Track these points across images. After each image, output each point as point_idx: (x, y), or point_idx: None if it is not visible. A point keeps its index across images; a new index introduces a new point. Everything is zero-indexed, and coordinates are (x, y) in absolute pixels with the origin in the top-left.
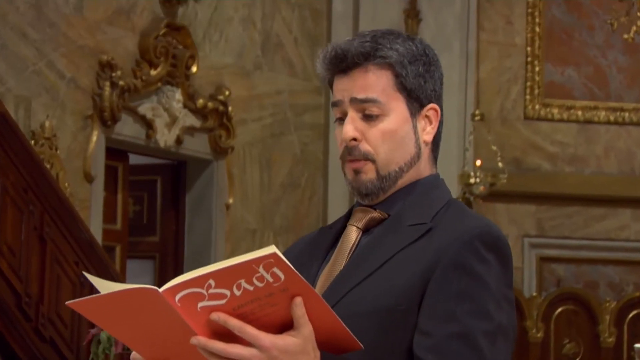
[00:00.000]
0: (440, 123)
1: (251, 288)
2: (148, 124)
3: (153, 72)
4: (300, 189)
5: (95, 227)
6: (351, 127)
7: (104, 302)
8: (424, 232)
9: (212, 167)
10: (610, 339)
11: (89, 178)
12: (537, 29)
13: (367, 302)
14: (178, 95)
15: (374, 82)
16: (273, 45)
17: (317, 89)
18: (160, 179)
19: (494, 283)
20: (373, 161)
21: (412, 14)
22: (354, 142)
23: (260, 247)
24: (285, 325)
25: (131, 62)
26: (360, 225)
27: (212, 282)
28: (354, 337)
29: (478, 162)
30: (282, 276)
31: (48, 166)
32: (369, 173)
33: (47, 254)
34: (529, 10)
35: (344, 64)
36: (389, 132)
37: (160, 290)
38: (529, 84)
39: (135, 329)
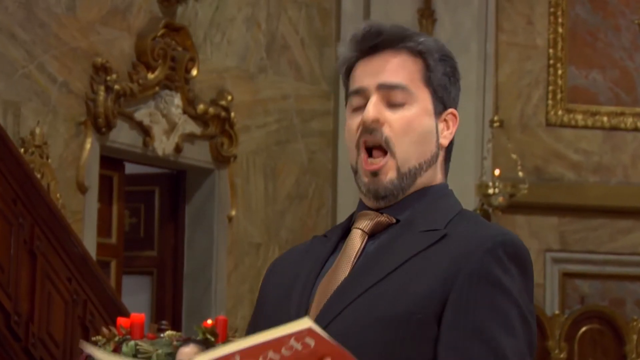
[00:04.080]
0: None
1: (277, 357)
2: (145, 131)
3: (150, 76)
4: (308, 200)
5: (89, 241)
6: (374, 109)
7: None
8: (439, 238)
9: (213, 176)
10: None
11: (82, 188)
12: (560, 30)
13: (378, 309)
14: (177, 100)
15: (405, 68)
16: (278, 47)
17: (326, 94)
18: (158, 190)
19: (519, 297)
20: (393, 154)
21: (427, 13)
22: (375, 124)
23: (265, 262)
24: None
25: (127, 64)
26: (367, 229)
27: (238, 357)
28: None
29: (497, 172)
30: (312, 344)
31: (39, 176)
32: (389, 173)
33: (38, 269)
34: (551, 9)
35: (378, 39)
36: (412, 122)
37: None
38: (551, 88)
39: None
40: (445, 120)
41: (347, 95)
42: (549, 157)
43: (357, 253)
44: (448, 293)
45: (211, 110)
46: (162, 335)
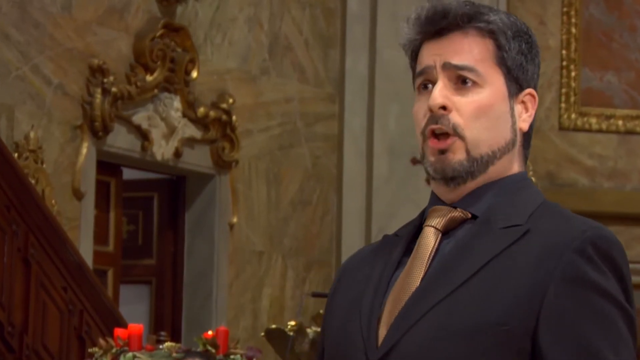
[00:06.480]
0: (534, 116)
1: None
2: (143, 135)
3: (149, 78)
4: (312, 207)
5: (85, 249)
6: (441, 95)
7: None
8: (521, 234)
9: (214, 182)
10: None
11: (78, 195)
12: (574, 30)
13: (461, 319)
14: (177, 103)
15: (473, 49)
16: (281, 48)
17: (330, 96)
18: (157, 196)
19: (622, 300)
20: (462, 138)
21: None
22: (442, 111)
23: (268, 271)
24: None
25: (125, 66)
26: (440, 226)
27: None
28: None
29: None
30: None
31: (33, 181)
32: (457, 153)
33: (32, 278)
34: (564, 9)
35: (443, 22)
36: (483, 106)
37: None
38: (564, 90)
39: None
40: (522, 102)
41: (414, 78)
42: (561, 162)
43: (430, 254)
44: (538, 302)
45: (212, 113)
46: (161, 346)
